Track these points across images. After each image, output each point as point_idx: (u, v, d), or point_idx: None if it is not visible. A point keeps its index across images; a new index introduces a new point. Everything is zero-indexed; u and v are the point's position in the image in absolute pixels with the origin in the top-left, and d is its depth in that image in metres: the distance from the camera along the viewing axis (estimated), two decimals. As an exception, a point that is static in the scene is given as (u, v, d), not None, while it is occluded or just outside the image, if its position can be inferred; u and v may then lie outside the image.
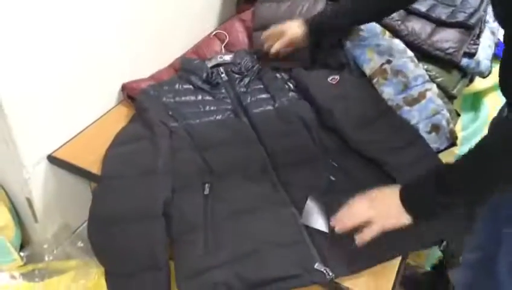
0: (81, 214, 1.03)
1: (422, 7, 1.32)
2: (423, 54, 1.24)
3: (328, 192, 0.96)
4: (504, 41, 0.84)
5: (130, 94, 1.20)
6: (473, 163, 0.75)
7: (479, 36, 1.30)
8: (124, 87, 1.22)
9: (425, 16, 1.30)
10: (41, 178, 1.08)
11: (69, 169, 1.09)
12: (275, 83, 1.22)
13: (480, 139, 0.77)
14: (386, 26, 1.28)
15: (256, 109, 1.15)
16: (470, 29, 1.27)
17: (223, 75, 1.22)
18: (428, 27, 1.28)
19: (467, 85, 1.39)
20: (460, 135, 1.21)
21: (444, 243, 0.93)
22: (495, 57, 1.35)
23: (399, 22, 1.27)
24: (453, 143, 1.13)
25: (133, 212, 0.90)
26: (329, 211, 0.91)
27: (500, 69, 0.88)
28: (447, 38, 1.25)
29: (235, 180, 0.98)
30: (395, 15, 1.27)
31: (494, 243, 0.96)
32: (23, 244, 1.17)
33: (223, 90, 1.20)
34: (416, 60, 1.23)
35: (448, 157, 1.06)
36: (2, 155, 1.02)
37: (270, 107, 1.16)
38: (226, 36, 1.40)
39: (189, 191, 0.96)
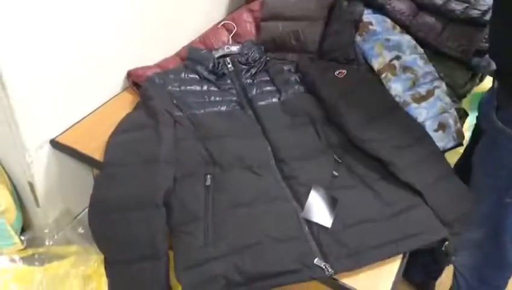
0: (82, 200, 1.03)
1: (438, 0, 1.29)
2: (433, 50, 1.23)
3: (331, 187, 0.96)
4: None
5: (135, 81, 1.20)
6: None
7: (491, 34, 1.28)
8: (130, 74, 1.21)
9: (437, 12, 1.27)
10: (43, 163, 1.08)
11: (72, 154, 1.08)
12: (281, 75, 1.21)
13: None
14: (396, 22, 1.26)
15: (261, 102, 1.14)
16: (483, 26, 1.25)
17: (229, 66, 1.21)
18: (439, 24, 1.26)
19: (477, 84, 1.37)
20: (467, 134, 1.20)
21: (447, 243, 0.92)
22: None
23: (410, 18, 1.25)
24: (459, 143, 1.12)
25: (134, 201, 0.90)
26: (331, 206, 0.90)
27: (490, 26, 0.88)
28: (458, 36, 1.23)
29: (238, 172, 0.97)
30: (406, 10, 1.25)
31: (498, 214, 0.96)
32: (24, 228, 1.18)
33: (229, 81, 1.19)
34: (426, 57, 1.21)
35: (454, 157, 1.05)
36: (4, 137, 1.02)
37: (275, 100, 1.15)
38: (234, 27, 1.38)
39: (191, 182, 0.95)
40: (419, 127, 1.09)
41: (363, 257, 0.85)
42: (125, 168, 0.96)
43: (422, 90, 1.16)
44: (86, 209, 0.94)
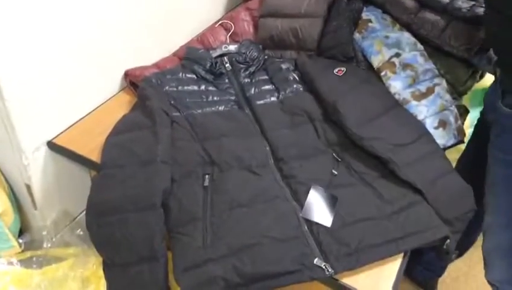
0: (80, 201, 1.02)
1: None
2: (434, 48, 1.21)
3: (330, 186, 0.95)
4: None
5: (133, 81, 1.19)
6: None
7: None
8: (127, 74, 1.20)
9: (443, 10, 1.25)
10: (40, 164, 1.07)
11: (69, 156, 1.07)
12: (280, 74, 1.20)
13: None
14: (397, 19, 1.25)
15: (259, 101, 1.13)
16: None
17: (227, 65, 1.20)
18: (442, 21, 1.24)
19: (477, 81, 1.36)
20: (468, 131, 1.19)
21: (448, 241, 0.91)
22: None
23: (412, 16, 1.23)
24: (460, 140, 1.11)
25: (132, 202, 0.89)
26: (331, 205, 0.89)
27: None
28: (460, 34, 1.21)
29: (236, 172, 0.97)
30: (408, 7, 1.23)
31: None
32: (22, 230, 1.17)
33: (227, 81, 1.18)
34: (426, 54, 1.20)
35: (454, 154, 1.04)
36: (0, 139, 1.01)
37: (274, 99, 1.15)
38: (231, 26, 1.37)
39: (189, 182, 0.94)
40: (419, 125, 1.08)
41: (363, 256, 0.84)
42: (123, 169, 0.95)
43: (422, 87, 1.15)
44: (84, 211, 0.93)
